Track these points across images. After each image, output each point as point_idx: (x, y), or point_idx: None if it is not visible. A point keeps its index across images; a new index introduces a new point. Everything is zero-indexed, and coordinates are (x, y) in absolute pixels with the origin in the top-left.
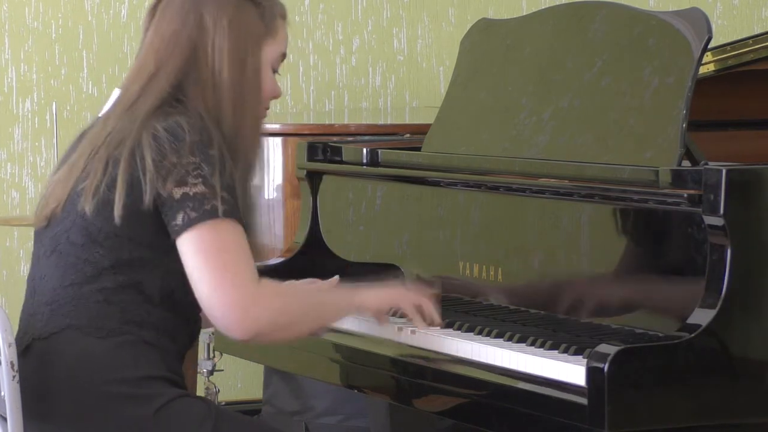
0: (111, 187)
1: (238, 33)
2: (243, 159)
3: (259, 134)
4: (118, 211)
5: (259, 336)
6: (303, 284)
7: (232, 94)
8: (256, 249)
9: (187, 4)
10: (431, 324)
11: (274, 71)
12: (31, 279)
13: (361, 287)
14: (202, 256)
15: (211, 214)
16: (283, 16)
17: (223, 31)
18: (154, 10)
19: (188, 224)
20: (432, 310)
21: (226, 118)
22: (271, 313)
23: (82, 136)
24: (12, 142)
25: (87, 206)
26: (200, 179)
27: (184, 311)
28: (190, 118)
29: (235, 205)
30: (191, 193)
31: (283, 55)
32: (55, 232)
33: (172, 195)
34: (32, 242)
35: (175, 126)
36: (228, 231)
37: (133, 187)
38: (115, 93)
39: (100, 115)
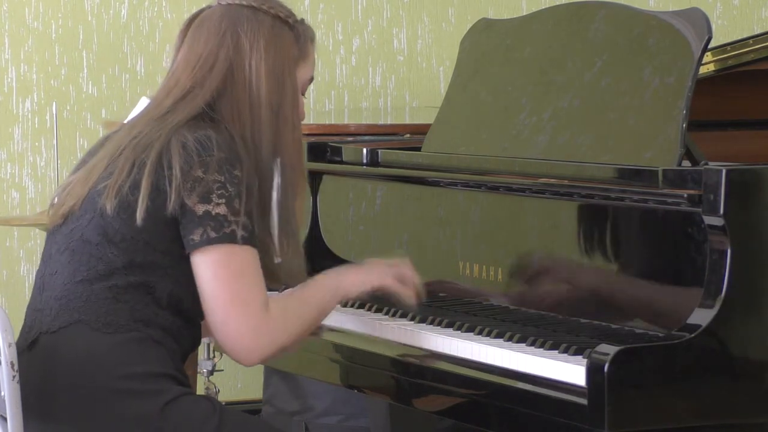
0: (134, 189)
1: (275, 54)
2: (287, 179)
3: (301, 153)
4: (140, 214)
5: (265, 361)
6: (299, 292)
7: (270, 115)
8: (301, 270)
9: (224, 24)
10: (416, 291)
11: (302, 93)
12: (41, 276)
13: (343, 273)
14: (217, 283)
15: (230, 238)
16: (313, 40)
17: (260, 53)
18: (187, 27)
19: (206, 242)
20: (414, 278)
21: (265, 136)
22: (278, 337)
23: (104, 141)
24: (12, 142)
25: (108, 204)
26: (224, 200)
27: (190, 318)
28: (220, 135)
29: (253, 231)
30: (213, 213)
31: (311, 79)
32: (71, 229)
33: (195, 210)
34: (32, 242)
35: (204, 138)
36: (244, 258)
37: (159, 193)
38: (143, 101)
39: (125, 121)
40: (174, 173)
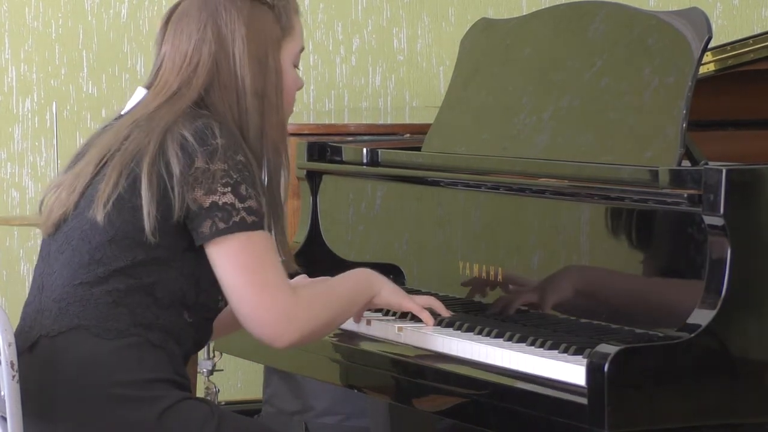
0: (132, 194)
1: (257, 40)
2: (271, 162)
3: (285, 135)
4: (149, 227)
5: (300, 343)
6: (327, 281)
7: (256, 100)
8: (286, 250)
9: (203, 17)
10: (441, 315)
11: (295, 66)
12: (39, 275)
13: (379, 277)
14: (239, 274)
15: (240, 227)
16: (296, 11)
17: (241, 41)
18: (166, 23)
19: (217, 234)
20: (440, 305)
21: (252, 123)
22: (310, 320)
23: (93, 140)
24: (12, 142)
25: (98, 215)
26: (229, 188)
27: (193, 317)
28: (220, 122)
29: (262, 213)
30: (220, 203)
31: (302, 48)
32: (69, 228)
33: (201, 204)
34: (32, 242)
35: (203, 129)
36: (259, 243)
37: (163, 201)
38: (139, 91)
39: (122, 112)
40: (175, 179)
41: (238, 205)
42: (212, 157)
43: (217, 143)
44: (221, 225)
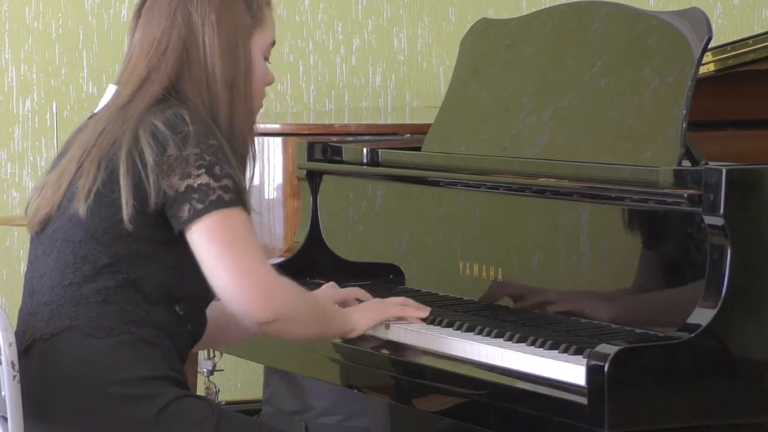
0: (110, 188)
1: (227, 28)
2: (238, 152)
3: (253, 126)
4: (127, 216)
5: (278, 320)
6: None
7: (226, 89)
8: None
9: (173, 4)
10: (422, 312)
11: (266, 59)
12: (29, 278)
13: (351, 311)
14: (217, 247)
15: (217, 204)
16: (269, 4)
17: (212, 28)
18: (139, 11)
19: (195, 215)
20: (413, 303)
21: (222, 112)
22: (287, 304)
23: (73, 139)
24: (12, 142)
25: (80, 208)
26: (203, 170)
27: (184, 309)
28: (190, 109)
29: (239, 190)
30: (195, 185)
31: (273, 43)
32: (53, 230)
33: (177, 189)
34: None
35: (173, 118)
36: (237, 219)
37: (139, 191)
38: (111, 89)
39: (95, 111)
40: (149, 167)
41: (214, 184)
42: (184, 143)
43: (188, 130)
44: (198, 206)
